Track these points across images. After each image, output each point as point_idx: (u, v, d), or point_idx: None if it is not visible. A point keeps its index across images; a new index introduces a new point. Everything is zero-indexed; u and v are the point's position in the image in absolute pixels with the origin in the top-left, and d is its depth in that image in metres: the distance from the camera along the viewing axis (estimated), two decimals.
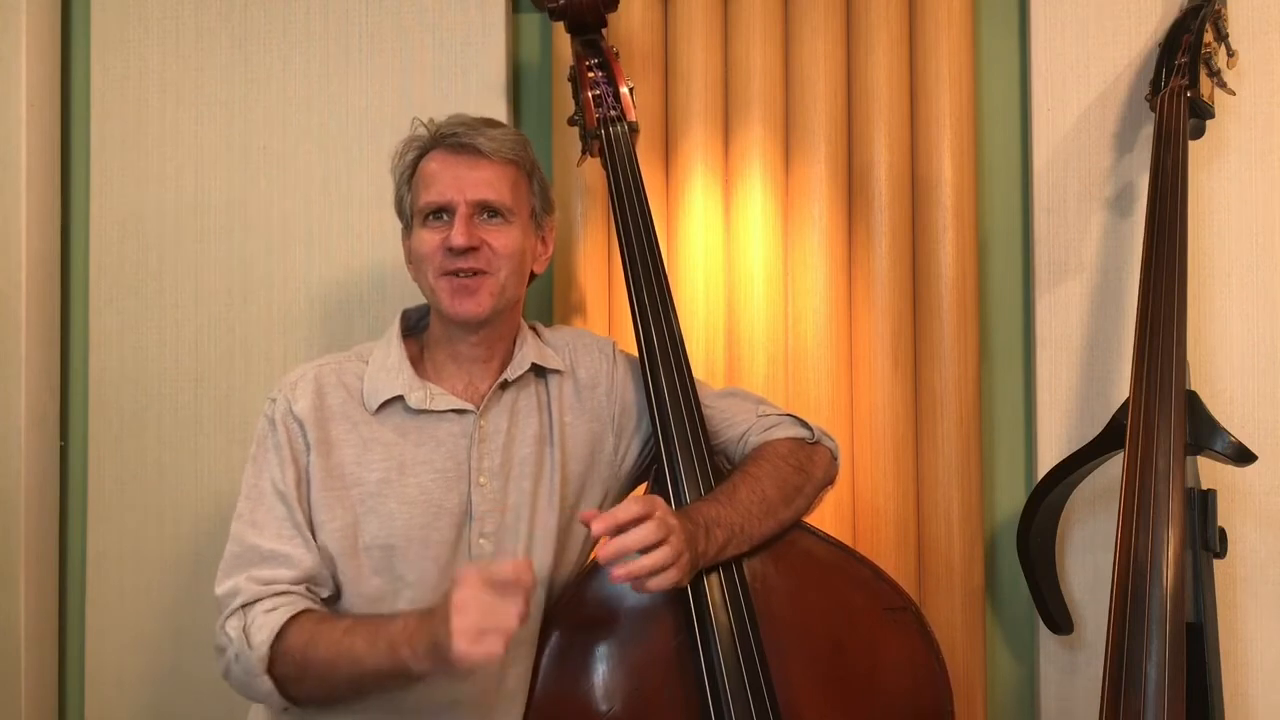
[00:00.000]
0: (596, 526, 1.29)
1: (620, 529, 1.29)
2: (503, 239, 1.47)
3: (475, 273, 1.45)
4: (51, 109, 1.97)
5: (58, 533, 1.98)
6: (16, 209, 1.91)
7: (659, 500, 1.34)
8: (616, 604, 1.44)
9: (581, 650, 1.45)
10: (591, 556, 1.50)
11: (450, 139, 1.48)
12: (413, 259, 1.51)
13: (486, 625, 1.21)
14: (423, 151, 1.51)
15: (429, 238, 1.47)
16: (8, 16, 1.91)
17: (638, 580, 1.30)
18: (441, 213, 1.46)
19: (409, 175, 1.52)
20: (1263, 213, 1.86)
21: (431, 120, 1.52)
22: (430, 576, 1.43)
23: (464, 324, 1.47)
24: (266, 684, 1.34)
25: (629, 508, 1.31)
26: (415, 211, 1.49)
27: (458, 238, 1.43)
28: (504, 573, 1.23)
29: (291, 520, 1.42)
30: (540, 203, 1.54)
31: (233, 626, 1.37)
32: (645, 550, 1.29)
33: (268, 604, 1.37)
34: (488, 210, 1.47)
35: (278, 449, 1.44)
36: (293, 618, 1.35)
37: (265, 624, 1.35)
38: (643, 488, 1.56)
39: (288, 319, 1.95)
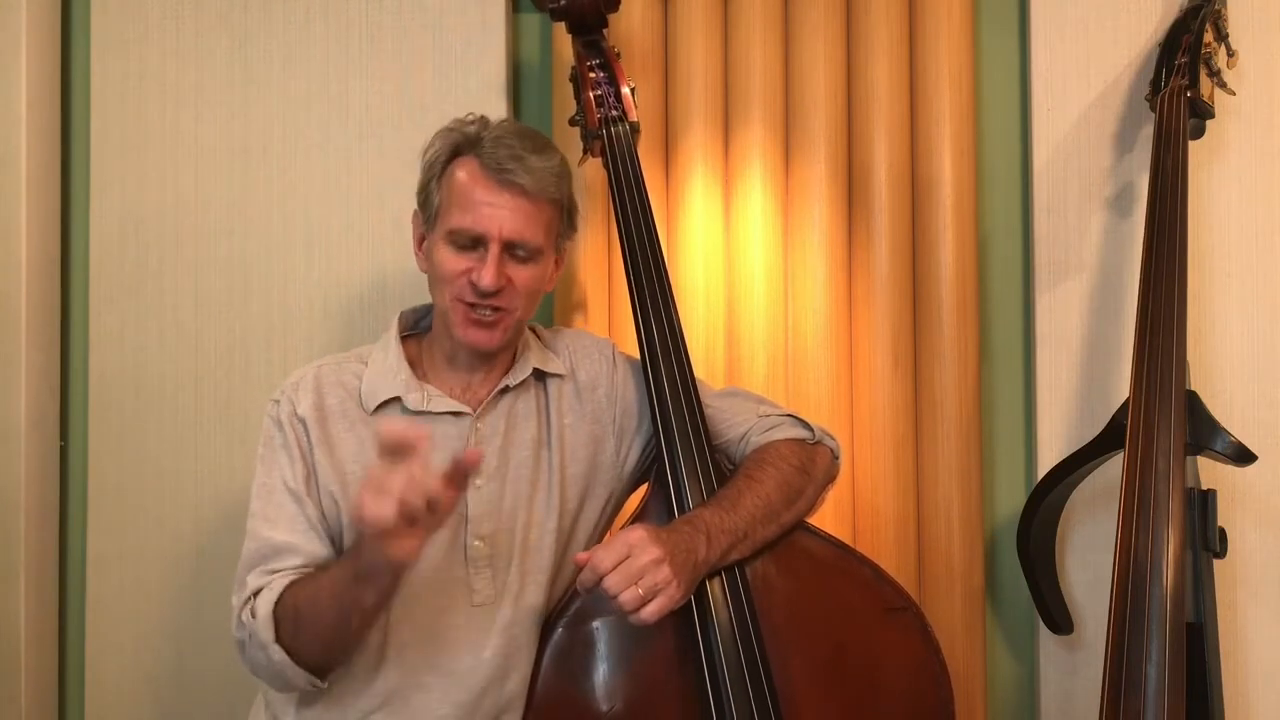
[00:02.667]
0: (583, 577, 1.31)
1: (601, 578, 1.30)
2: (526, 276, 1.45)
3: (495, 309, 1.44)
4: (51, 109, 1.97)
5: (58, 533, 1.98)
6: (16, 209, 1.91)
7: (635, 535, 1.33)
8: (613, 606, 1.43)
9: (582, 651, 1.45)
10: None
11: (492, 159, 1.42)
12: (428, 264, 1.49)
13: (382, 483, 1.18)
14: (458, 151, 1.46)
15: (454, 261, 1.44)
16: (8, 16, 1.91)
17: (632, 615, 1.30)
18: (473, 243, 1.43)
19: (439, 171, 1.47)
20: (1263, 213, 1.86)
21: (484, 119, 1.48)
22: (426, 578, 1.42)
23: (472, 350, 1.48)
24: (278, 653, 1.33)
25: (609, 552, 1.31)
26: (440, 220, 1.46)
27: (487, 279, 1.41)
28: (394, 429, 1.20)
29: (304, 515, 1.42)
30: (566, 229, 1.53)
31: (245, 614, 1.38)
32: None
33: (274, 585, 1.37)
34: (519, 249, 1.44)
35: (286, 448, 1.45)
36: (289, 584, 1.37)
37: (269, 597, 1.36)
38: (644, 488, 1.56)
39: (288, 319, 1.95)
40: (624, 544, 1.31)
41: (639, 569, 1.30)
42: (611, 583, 1.29)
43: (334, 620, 1.33)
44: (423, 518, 1.20)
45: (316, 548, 1.41)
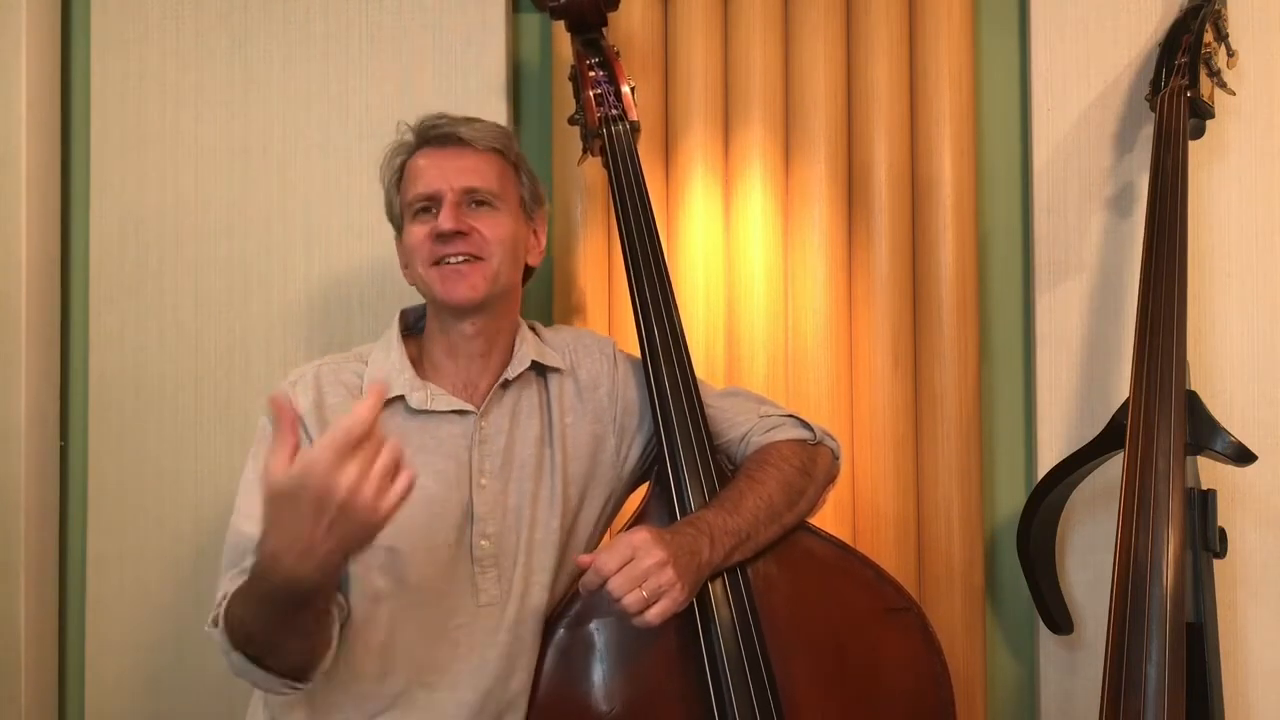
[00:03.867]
0: (587, 580, 1.31)
1: (605, 580, 1.29)
2: (492, 225, 1.47)
3: (467, 259, 1.45)
4: (51, 109, 1.97)
5: (58, 533, 1.98)
6: (16, 209, 1.91)
7: (639, 537, 1.32)
8: (616, 608, 1.43)
9: (584, 651, 1.45)
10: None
11: (432, 132, 1.49)
12: (405, 259, 1.52)
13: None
14: (409, 153, 1.51)
15: (418, 230, 1.47)
16: (8, 16, 1.91)
17: (636, 617, 1.29)
18: (429, 205, 1.47)
19: (397, 178, 1.52)
20: (1263, 213, 1.86)
21: (417, 122, 1.52)
22: (431, 577, 1.42)
23: (458, 310, 1.47)
24: (239, 660, 1.28)
25: (613, 554, 1.30)
26: (404, 208, 1.50)
27: (446, 222, 1.43)
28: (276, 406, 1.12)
29: None
30: (529, 194, 1.55)
31: (211, 619, 1.33)
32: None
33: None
34: (475, 199, 1.47)
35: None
36: (235, 590, 1.30)
37: (224, 606, 1.31)
38: (645, 487, 1.56)
39: (288, 319, 1.95)
40: (628, 546, 1.31)
41: (643, 571, 1.29)
42: (615, 585, 1.28)
43: (271, 633, 1.25)
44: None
45: None
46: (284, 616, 1.22)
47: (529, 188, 1.55)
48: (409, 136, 1.52)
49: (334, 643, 1.35)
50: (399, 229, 1.54)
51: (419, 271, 1.48)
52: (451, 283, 1.45)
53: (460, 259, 1.45)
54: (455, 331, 1.49)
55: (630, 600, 1.28)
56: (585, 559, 1.32)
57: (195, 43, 1.97)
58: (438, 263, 1.45)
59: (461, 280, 1.45)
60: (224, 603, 1.32)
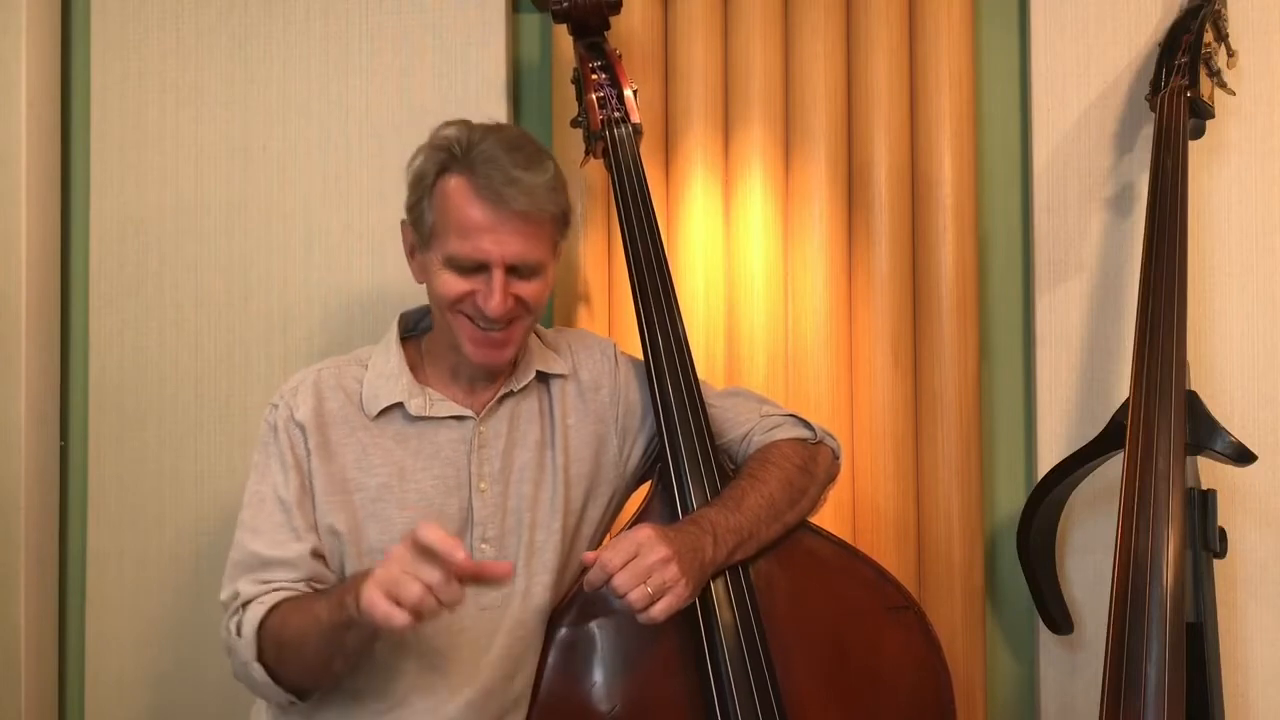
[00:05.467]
0: (591, 576, 1.30)
1: (610, 576, 1.29)
2: (532, 291, 1.42)
3: (506, 324, 1.42)
4: (51, 109, 1.97)
5: (58, 533, 1.98)
6: (16, 209, 1.91)
7: (643, 534, 1.32)
8: (621, 604, 1.43)
9: (586, 650, 1.46)
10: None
11: (485, 183, 1.37)
12: (426, 279, 1.45)
13: (399, 584, 1.17)
14: (445, 167, 1.40)
15: (456, 284, 1.40)
16: (8, 16, 1.91)
17: (641, 614, 1.29)
18: (475, 266, 1.39)
19: (429, 188, 1.41)
20: (1263, 213, 1.87)
21: (462, 130, 1.41)
22: None
23: (482, 369, 1.47)
24: (259, 671, 1.34)
25: (617, 551, 1.30)
26: (439, 246, 1.41)
27: (495, 309, 1.38)
28: (431, 538, 1.16)
29: (290, 526, 1.42)
30: (564, 232, 1.49)
31: (233, 623, 1.38)
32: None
33: (264, 599, 1.37)
34: (522, 268, 1.41)
35: (280, 456, 1.44)
36: (277, 604, 1.36)
37: (255, 614, 1.36)
38: (646, 487, 1.56)
39: (288, 319, 1.95)
40: (632, 543, 1.31)
41: (647, 568, 1.29)
42: (620, 581, 1.28)
43: (316, 657, 1.33)
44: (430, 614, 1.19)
45: (304, 561, 1.40)
46: (356, 644, 1.30)
47: (565, 226, 1.48)
48: (455, 148, 1.39)
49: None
50: (424, 243, 1.44)
51: (446, 316, 1.43)
52: (484, 350, 1.43)
53: (499, 330, 1.42)
54: (467, 365, 1.47)
55: (635, 596, 1.28)
56: (590, 556, 1.32)
57: (195, 43, 1.97)
58: (471, 322, 1.42)
59: (495, 350, 1.43)
60: (252, 615, 1.35)
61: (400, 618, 1.17)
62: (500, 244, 1.38)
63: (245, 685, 1.40)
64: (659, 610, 1.29)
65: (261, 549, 1.41)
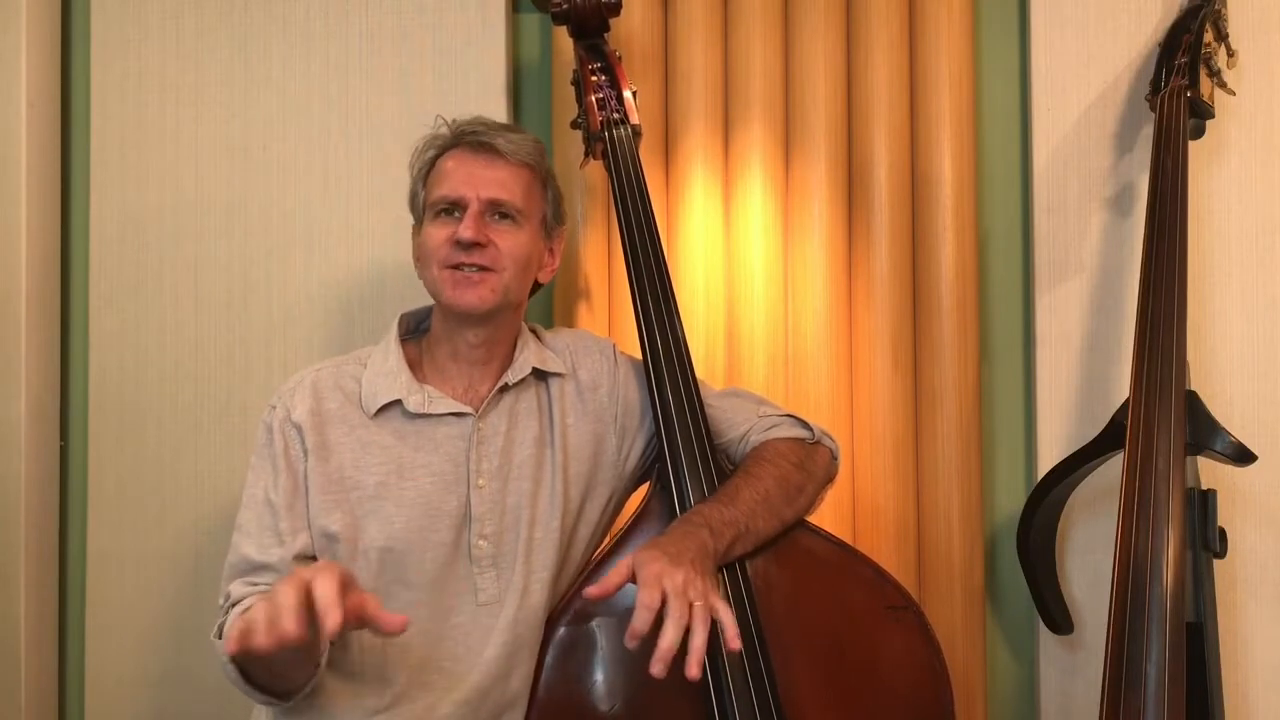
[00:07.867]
0: (592, 592, 1.26)
1: (611, 593, 1.25)
2: (511, 240, 1.47)
3: (480, 268, 1.45)
4: (51, 109, 1.97)
5: (58, 533, 1.98)
6: (16, 209, 1.91)
7: (656, 567, 1.25)
8: (619, 604, 1.43)
9: (584, 650, 1.45)
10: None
11: (469, 137, 1.49)
12: (420, 255, 1.51)
13: (270, 618, 1.14)
14: (442, 149, 1.51)
15: (437, 232, 1.47)
16: (8, 16, 1.91)
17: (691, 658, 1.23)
18: (453, 208, 1.47)
19: (426, 171, 1.52)
20: (1263, 213, 1.87)
21: (455, 120, 1.52)
22: (431, 579, 1.43)
23: (464, 317, 1.47)
24: (233, 672, 1.33)
25: (648, 594, 1.22)
26: (427, 206, 1.50)
27: (466, 231, 1.43)
28: (320, 591, 1.13)
29: (275, 530, 1.42)
30: (552, 211, 1.55)
31: (218, 624, 1.39)
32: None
33: (246, 601, 1.37)
34: (499, 211, 1.47)
35: (273, 458, 1.45)
36: (250, 606, 1.34)
37: (233, 618, 1.36)
38: (645, 487, 1.56)
39: (288, 319, 1.95)
40: (654, 581, 1.23)
41: (684, 601, 1.22)
42: (674, 625, 1.20)
43: (275, 663, 1.29)
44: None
45: (286, 565, 1.40)
46: (282, 665, 1.29)
47: (553, 205, 1.55)
48: (444, 131, 1.52)
49: (322, 664, 1.36)
50: (418, 221, 1.54)
51: (432, 272, 1.47)
52: (462, 289, 1.45)
53: (474, 268, 1.45)
54: (459, 338, 1.50)
55: (698, 641, 1.21)
56: (593, 590, 1.26)
57: (195, 43, 1.98)
58: (451, 267, 1.46)
59: (472, 289, 1.45)
60: (233, 616, 1.36)
61: (252, 640, 1.15)
62: (475, 178, 1.46)
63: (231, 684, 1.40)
64: (720, 614, 1.24)
65: (251, 552, 1.42)
